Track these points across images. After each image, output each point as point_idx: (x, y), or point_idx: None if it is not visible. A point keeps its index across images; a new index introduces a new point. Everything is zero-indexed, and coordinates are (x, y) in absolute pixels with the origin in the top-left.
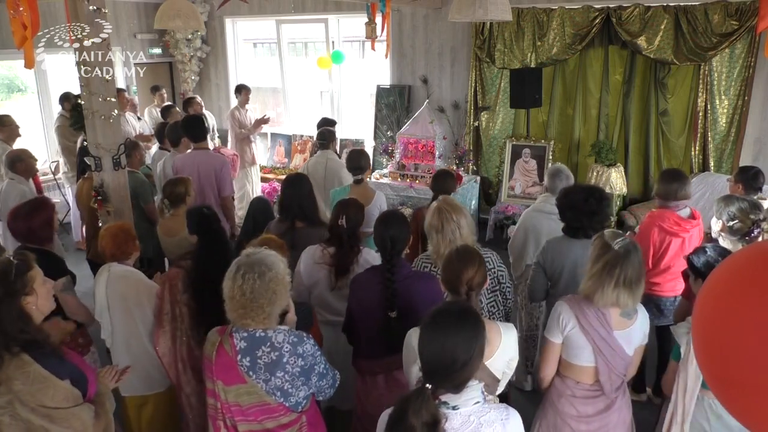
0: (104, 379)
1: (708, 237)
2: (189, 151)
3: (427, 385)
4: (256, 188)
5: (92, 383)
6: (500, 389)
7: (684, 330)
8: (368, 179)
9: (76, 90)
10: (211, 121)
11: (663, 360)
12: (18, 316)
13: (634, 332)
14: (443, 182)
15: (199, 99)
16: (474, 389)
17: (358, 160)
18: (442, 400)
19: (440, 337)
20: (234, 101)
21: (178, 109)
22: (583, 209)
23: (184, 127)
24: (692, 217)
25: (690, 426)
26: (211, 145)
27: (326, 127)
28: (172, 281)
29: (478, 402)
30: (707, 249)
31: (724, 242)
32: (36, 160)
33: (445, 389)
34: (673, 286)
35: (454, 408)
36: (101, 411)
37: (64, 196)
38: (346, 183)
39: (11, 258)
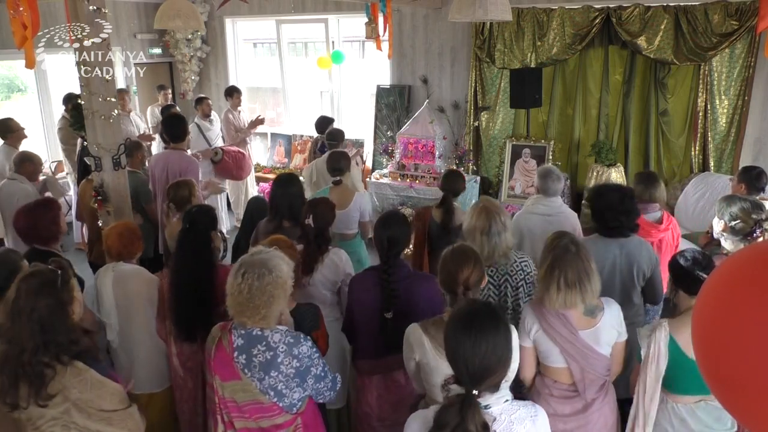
0: None
1: (709, 237)
2: (164, 150)
3: (474, 391)
4: (251, 190)
5: (123, 386)
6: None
7: (646, 332)
8: (368, 179)
9: (77, 90)
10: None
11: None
12: (69, 327)
13: (602, 330)
14: (453, 182)
15: (209, 101)
16: (504, 388)
17: (337, 162)
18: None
19: (484, 342)
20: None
21: (178, 108)
22: (620, 209)
23: (164, 125)
24: (660, 221)
25: (654, 430)
26: (220, 143)
27: (334, 127)
28: (163, 279)
29: (507, 400)
30: (686, 254)
31: (726, 242)
32: (43, 165)
33: (486, 391)
34: None
35: (486, 407)
36: (138, 410)
37: (65, 197)
38: (356, 181)
39: (52, 268)
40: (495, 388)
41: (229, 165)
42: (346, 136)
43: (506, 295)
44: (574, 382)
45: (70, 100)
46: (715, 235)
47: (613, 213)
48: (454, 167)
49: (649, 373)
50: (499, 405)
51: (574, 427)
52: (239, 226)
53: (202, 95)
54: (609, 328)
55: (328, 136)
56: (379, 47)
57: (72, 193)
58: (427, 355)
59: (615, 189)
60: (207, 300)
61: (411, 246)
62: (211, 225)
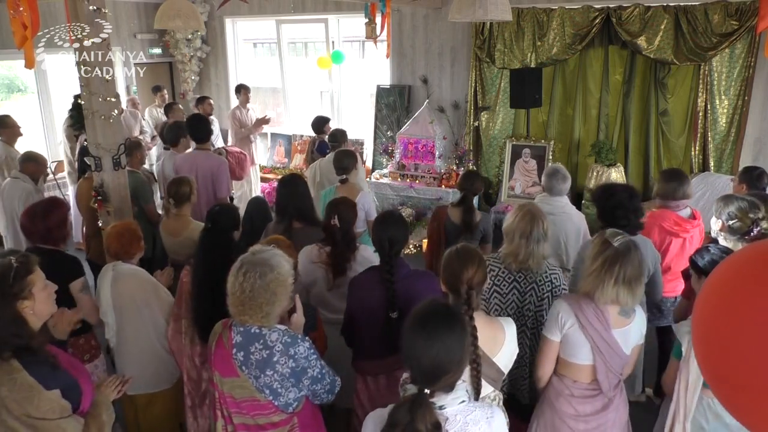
0: (106, 389)
1: (709, 237)
2: (189, 150)
3: (425, 390)
4: (255, 189)
5: (87, 394)
6: (499, 385)
7: (686, 329)
8: (368, 179)
9: (77, 90)
10: (216, 123)
11: (664, 360)
12: (12, 320)
13: (631, 331)
14: (473, 182)
15: (211, 100)
16: (460, 388)
17: (341, 160)
18: (431, 402)
19: (436, 341)
20: (235, 101)
21: (180, 106)
22: (629, 207)
23: (188, 127)
24: (693, 217)
25: (690, 424)
26: (219, 144)
27: (336, 128)
28: (184, 278)
29: (463, 401)
30: (711, 248)
31: (724, 242)
32: (46, 167)
33: (439, 391)
34: (674, 287)
35: (440, 408)
36: (93, 423)
37: (65, 196)
38: (360, 180)
39: (12, 260)
40: (449, 388)
41: (231, 165)
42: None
43: (530, 303)
44: (595, 380)
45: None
46: (713, 235)
47: (623, 211)
48: (454, 167)
49: (692, 368)
50: (453, 406)
51: (595, 426)
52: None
53: (204, 95)
54: (637, 330)
55: (330, 137)
56: (375, 44)
57: (71, 192)
58: None
59: (623, 188)
60: (226, 301)
61: (419, 246)
62: (233, 225)
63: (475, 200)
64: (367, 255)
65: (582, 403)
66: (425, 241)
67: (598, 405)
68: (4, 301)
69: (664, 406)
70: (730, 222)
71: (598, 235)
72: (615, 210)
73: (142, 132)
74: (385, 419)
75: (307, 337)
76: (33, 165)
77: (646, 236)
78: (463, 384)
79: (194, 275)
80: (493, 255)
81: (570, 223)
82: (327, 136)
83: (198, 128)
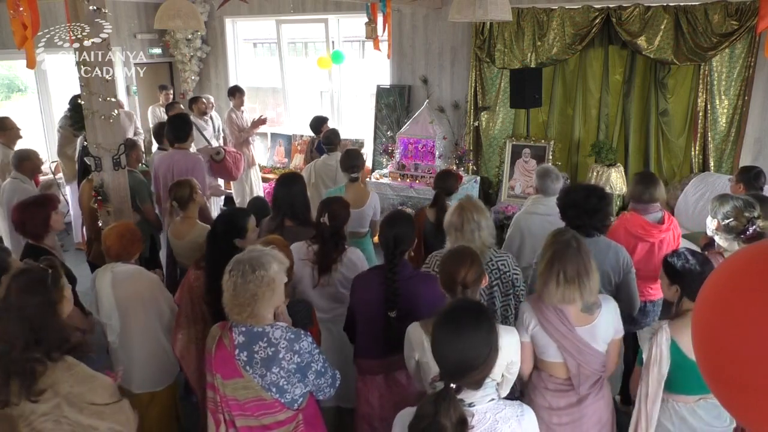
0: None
1: (705, 237)
2: (168, 150)
3: (452, 385)
4: (256, 189)
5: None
6: (504, 393)
7: (647, 335)
8: (368, 179)
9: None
10: (216, 121)
11: (629, 367)
12: (60, 324)
13: (598, 327)
14: (446, 181)
15: (205, 99)
16: (489, 386)
17: (353, 159)
18: (458, 398)
19: (462, 337)
20: (227, 104)
21: (182, 106)
22: (584, 207)
23: (169, 126)
24: (662, 221)
25: (655, 429)
26: (215, 143)
27: (330, 129)
28: (193, 283)
29: (493, 399)
30: (685, 253)
31: (720, 241)
32: (43, 162)
33: (467, 388)
34: (641, 291)
35: (470, 405)
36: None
37: (64, 196)
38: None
39: (43, 267)
40: (476, 385)
41: (228, 165)
42: (347, 136)
43: (480, 292)
44: (570, 377)
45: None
46: (709, 234)
47: (575, 211)
48: (454, 167)
49: (651, 375)
50: (483, 403)
51: (569, 421)
52: None
53: (197, 95)
54: (606, 325)
55: (325, 140)
56: (377, 47)
57: (68, 193)
58: (426, 354)
59: (582, 188)
60: None
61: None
62: (235, 234)
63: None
64: (355, 258)
65: (555, 396)
66: None
67: (572, 399)
68: (50, 308)
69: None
70: (726, 221)
71: (548, 235)
72: (566, 209)
73: (136, 133)
74: (413, 415)
75: (307, 332)
76: (29, 164)
77: (612, 237)
78: (493, 382)
79: (207, 280)
80: (440, 251)
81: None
82: (321, 138)
83: (176, 127)
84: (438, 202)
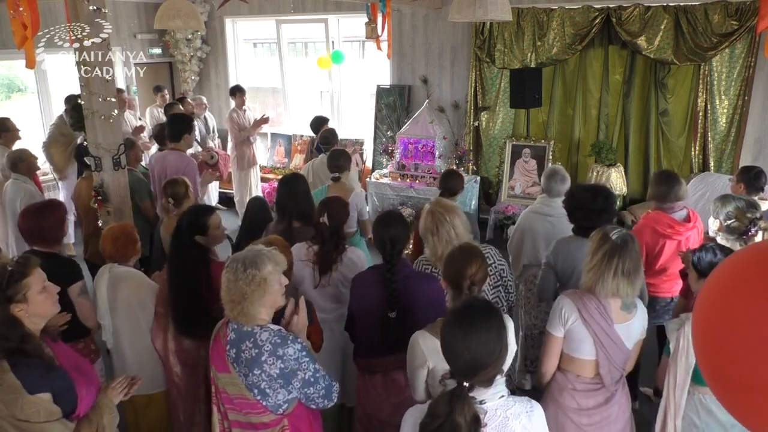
0: (112, 392)
1: (707, 237)
2: (163, 151)
3: (465, 383)
4: (255, 189)
5: (84, 398)
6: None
7: (675, 326)
8: (368, 179)
9: (77, 90)
10: (211, 122)
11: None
12: (3, 324)
13: (633, 326)
14: (450, 181)
15: (193, 100)
16: (499, 383)
17: (337, 159)
18: (470, 396)
19: (475, 336)
20: (232, 103)
21: (180, 107)
22: (591, 208)
23: (167, 125)
24: (688, 219)
25: (681, 420)
26: (211, 145)
27: (329, 128)
28: (163, 278)
29: (503, 396)
30: (713, 248)
31: (722, 241)
32: (37, 158)
33: (478, 386)
34: (669, 287)
35: (481, 402)
36: (85, 428)
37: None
38: (353, 183)
39: (7, 265)
40: (488, 383)
41: (221, 167)
42: (347, 136)
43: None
44: (597, 374)
45: (70, 101)
46: (711, 234)
47: (584, 212)
48: (454, 167)
49: (679, 365)
50: (494, 400)
51: (598, 420)
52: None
53: (182, 96)
54: (639, 325)
55: (322, 140)
56: (379, 47)
57: (61, 195)
58: (443, 361)
59: (588, 189)
60: (200, 295)
61: (411, 246)
62: (194, 227)
63: (475, 201)
64: (355, 257)
65: (585, 397)
66: None
67: (601, 399)
68: None
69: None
70: (728, 222)
71: (597, 231)
72: (574, 212)
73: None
74: (424, 413)
75: (299, 339)
76: (24, 165)
77: (638, 237)
78: (502, 379)
79: (170, 273)
80: (423, 256)
81: (567, 224)
82: (318, 138)
83: (171, 126)
84: None
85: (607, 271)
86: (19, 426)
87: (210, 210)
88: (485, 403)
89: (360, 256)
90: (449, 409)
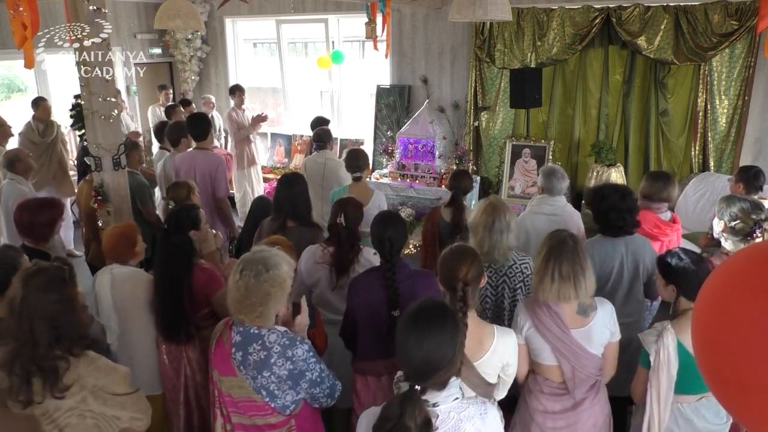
0: None
1: (709, 237)
2: (189, 150)
3: (416, 387)
4: (257, 188)
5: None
6: (501, 395)
7: (652, 338)
8: (368, 179)
9: (77, 90)
10: (218, 121)
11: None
12: (78, 321)
13: (593, 330)
14: (462, 181)
15: (204, 99)
16: (453, 386)
17: (357, 159)
18: (423, 399)
19: (426, 338)
20: (231, 103)
21: (182, 108)
22: (623, 207)
23: (188, 125)
24: (672, 221)
25: None
26: (217, 144)
27: (321, 126)
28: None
29: (457, 398)
30: (678, 253)
31: (726, 243)
32: (33, 159)
33: (432, 389)
34: None
35: (434, 405)
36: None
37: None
38: (345, 183)
39: (58, 265)
40: (441, 385)
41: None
42: (347, 136)
43: (503, 296)
44: (565, 381)
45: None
46: (716, 236)
47: (617, 213)
48: (455, 167)
49: (661, 379)
50: (447, 403)
51: (564, 425)
52: (242, 225)
53: (187, 98)
54: (601, 327)
55: (315, 138)
56: (376, 47)
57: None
58: None
59: (615, 189)
60: (183, 300)
61: (413, 246)
62: (189, 225)
63: (475, 200)
64: (370, 257)
65: (551, 400)
66: None
67: (568, 404)
68: (69, 306)
69: (636, 413)
70: (733, 223)
71: (548, 234)
72: (608, 212)
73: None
74: (377, 416)
75: (306, 340)
76: (21, 164)
77: None
78: (457, 381)
79: (155, 276)
80: None
81: (572, 222)
82: (312, 137)
83: (197, 126)
84: (455, 201)
85: (544, 276)
86: (123, 402)
87: (194, 207)
88: (438, 405)
89: (372, 255)
90: (400, 412)
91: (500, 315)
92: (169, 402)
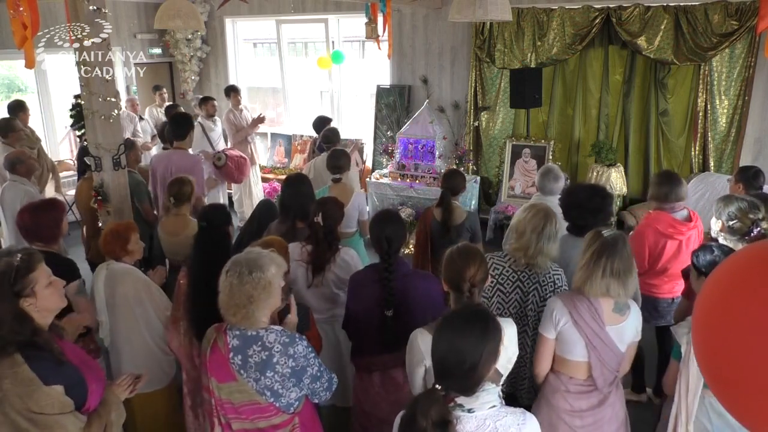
0: (118, 389)
1: (708, 237)
2: (166, 150)
3: (437, 386)
4: (255, 188)
5: (94, 392)
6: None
7: (684, 330)
8: (368, 179)
9: (77, 90)
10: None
11: (663, 360)
12: (14, 318)
13: (626, 328)
14: (452, 180)
15: (215, 102)
16: (490, 393)
17: (337, 159)
18: (458, 403)
19: (448, 338)
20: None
21: (181, 108)
22: (587, 207)
23: (171, 123)
24: (689, 219)
25: (693, 425)
26: (222, 145)
27: (329, 127)
28: (182, 280)
29: (494, 406)
30: (712, 248)
31: (724, 242)
32: (35, 160)
33: (456, 391)
34: (670, 288)
35: (469, 411)
36: (96, 422)
37: (65, 196)
38: (354, 183)
39: (14, 259)
40: (467, 391)
41: (231, 169)
42: (346, 136)
43: (533, 303)
44: (590, 377)
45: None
46: (713, 235)
47: (579, 211)
48: (454, 167)
49: (691, 370)
50: (483, 410)
51: (591, 422)
52: (241, 225)
53: (208, 96)
54: (632, 327)
55: (323, 138)
56: (379, 47)
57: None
58: None
59: (585, 188)
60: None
61: (413, 246)
62: (226, 221)
63: (475, 201)
64: (348, 258)
65: (577, 398)
66: None
67: (594, 401)
68: (4, 300)
69: (666, 407)
70: (730, 222)
71: (591, 231)
72: (570, 209)
73: (135, 135)
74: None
75: (303, 336)
76: (23, 166)
77: (640, 237)
78: (495, 389)
79: (191, 275)
80: (498, 253)
81: (565, 222)
82: (320, 137)
83: (176, 125)
84: (444, 201)
85: (596, 271)
86: (34, 419)
87: (222, 205)
88: (474, 412)
89: (353, 257)
90: (412, 411)
91: (523, 321)
92: (200, 406)
